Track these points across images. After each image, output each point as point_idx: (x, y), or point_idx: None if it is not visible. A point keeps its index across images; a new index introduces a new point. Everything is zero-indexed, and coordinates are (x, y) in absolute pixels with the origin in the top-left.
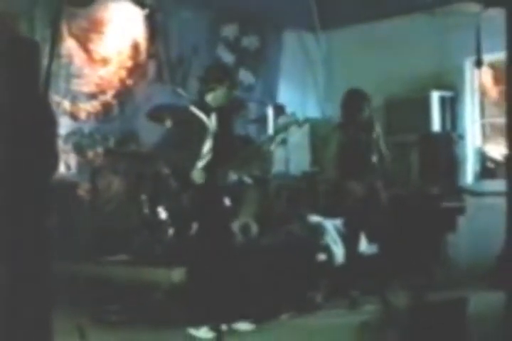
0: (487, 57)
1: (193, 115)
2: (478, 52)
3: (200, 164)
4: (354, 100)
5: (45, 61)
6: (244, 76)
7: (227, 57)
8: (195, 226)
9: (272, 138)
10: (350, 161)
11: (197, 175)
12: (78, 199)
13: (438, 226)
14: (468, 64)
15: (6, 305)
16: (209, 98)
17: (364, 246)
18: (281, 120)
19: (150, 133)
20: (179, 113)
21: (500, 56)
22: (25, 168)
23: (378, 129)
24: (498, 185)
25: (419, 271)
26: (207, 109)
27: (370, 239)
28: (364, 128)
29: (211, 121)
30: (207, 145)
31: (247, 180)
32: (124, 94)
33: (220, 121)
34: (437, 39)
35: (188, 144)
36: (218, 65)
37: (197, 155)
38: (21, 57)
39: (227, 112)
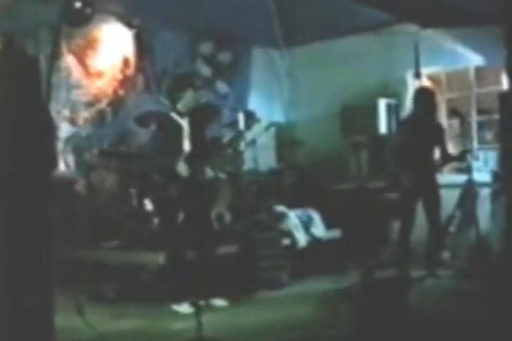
0: (425, 70)
1: (173, 120)
2: (417, 65)
3: (183, 160)
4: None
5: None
6: (220, 86)
7: (205, 70)
8: (177, 215)
9: (237, 136)
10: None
11: (182, 168)
12: (76, 193)
13: (383, 214)
14: (410, 76)
15: (12, 287)
16: (179, 106)
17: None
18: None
19: (139, 136)
20: (161, 118)
21: (435, 69)
22: (29, 166)
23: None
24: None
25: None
26: (181, 115)
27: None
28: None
29: (186, 125)
30: (185, 145)
31: (222, 175)
32: (116, 102)
33: (193, 125)
34: (383, 55)
35: (170, 144)
36: (178, 77)
37: (178, 153)
38: (23, 71)
39: (199, 117)
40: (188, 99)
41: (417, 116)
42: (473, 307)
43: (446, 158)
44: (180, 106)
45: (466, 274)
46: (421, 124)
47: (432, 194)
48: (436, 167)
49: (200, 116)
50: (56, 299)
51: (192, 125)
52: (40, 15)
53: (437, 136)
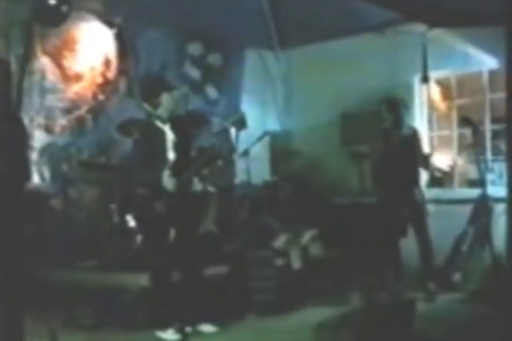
0: (434, 74)
1: (156, 128)
2: (425, 69)
3: (168, 172)
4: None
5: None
6: (210, 91)
7: (194, 73)
8: (162, 233)
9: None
10: None
11: (167, 181)
12: (51, 208)
13: (390, 232)
14: (417, 80)
15: None
16: (160, 112)
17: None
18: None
19: (122, 146)
20: (144, 126)
21: (445, 73)
22: None
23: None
24: (445, 193)
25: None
26: (163, 122)
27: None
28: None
29: (170, 133)
30: (171, 155)
31: (211, 189)
32: (96, 108)
33: (178, 133)
34: (388, 57)
35: (154, 154)
36: (150, 82)
37: (163, 164)
38: None
39: (183, 124)
40: (166, 103)
41: (387, 126)
42: (486, 334)
43: (426, 167)
44: (160, 111)
45: (479, 298)
46: (392, 134)
47: (412, 208)
48: (413, 178)
49: (185, 123)
50: (26, 325)
51: (177, 133)
52: (11, 13)
53: (415, 145)
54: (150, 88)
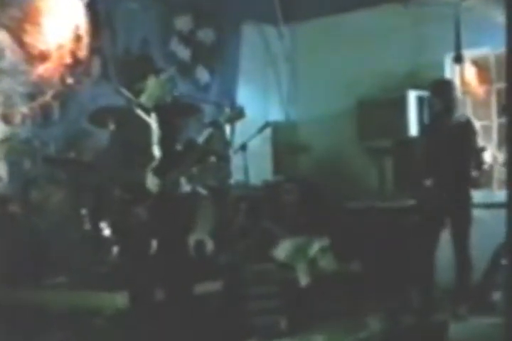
0: (469, 53)
1: (137, 118)
2: (458, 46)
3: (151, 171)
4: None
5: None
6: (201, 74)
7: (183, 52)
8: (143, 243)
9: (211, 135)
10: None
11: (151, 181)
12: (10, 213)
13: (422, 242)
14: (448, 60)
15: None
16: (143, 99)
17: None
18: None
19: (95, 139)
20: (122, 115)
21: (483, 51)
22: None
23: None
24: (482, 196)
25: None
26: (147, 111)
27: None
28: None
29: (154, 123)
30: (155, 150)
31: (202, 190)
32: (65, 94)
33: (162, 123)
34: (413, 32)
35: (134, 149)
36: (132, 62)
37: (145, 160)
38: None
39: (170, 113)
40: (151, 88)
41: (436, 115)
42: None
43: (478, 166)
44: (144, 98)
45: None
46: (442, 125)
47: (455, 213)
48: (467, 179)
49: (171, 113)
50: None
51: (161, 125)
52: None
53: (465, 138)
54: (132, 69)
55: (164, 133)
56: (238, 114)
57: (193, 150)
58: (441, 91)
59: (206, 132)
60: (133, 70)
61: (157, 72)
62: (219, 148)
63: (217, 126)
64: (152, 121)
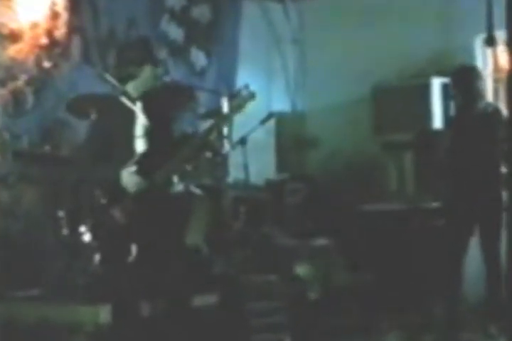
0: (502, 34)
1: (122, 107)
2: (490, 27)
3: (133, 167)
4: None
5: None
6: (196, 57)
7: (175, 32)
8: (128, 249)
9: (213, 126)
10: None
11: (128, 180)
12: None
13: (437, 250)
14: (479, 42)
15: None
16: (130, 87)
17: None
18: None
19: (73, 131)
20: (105, 104)
21: None
22: None
23: None
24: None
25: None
26: (132, 101)
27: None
28: None
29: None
30: (141, 143)
31: (196, 190)
32: (40, 79)
33: (151, 113)
34: (438, 11)
35: (118, 142)
36: (135, 43)
37: (130, 155)
38: None
39: (160, 102)
40: (144, 78)
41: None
42: None
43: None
44: (131, 87)
45: None
46: (465, 118)
47: (486, 217)
48: (497, 178)
49: (162, 101)
50: None
51: (150, 115)
52: None
53: (493, 130)
54: (125, 53)
55: (153, 125)
56: (249, 96)
57: (187, 145)
58: (461, 81)
59: (207, 124)
60: (125, 54)
61: (155, 62)
62: (216, 143)
63: (220, 116)
64: (138, 110)
